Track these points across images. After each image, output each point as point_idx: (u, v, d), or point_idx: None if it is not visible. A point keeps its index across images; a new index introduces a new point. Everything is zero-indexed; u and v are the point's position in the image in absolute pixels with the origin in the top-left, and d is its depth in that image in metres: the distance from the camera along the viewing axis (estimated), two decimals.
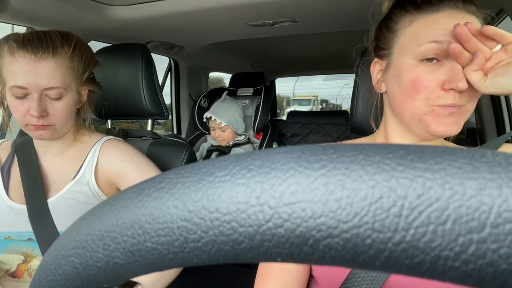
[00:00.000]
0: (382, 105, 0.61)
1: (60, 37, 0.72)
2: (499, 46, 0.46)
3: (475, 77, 0.46)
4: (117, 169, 0.78)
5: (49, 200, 0.73)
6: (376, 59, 0.58)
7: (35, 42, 0.68)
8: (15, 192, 0.76)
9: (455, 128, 0.49)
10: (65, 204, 0.73)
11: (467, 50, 0.46)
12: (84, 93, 0.80)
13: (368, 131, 0.68)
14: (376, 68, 0.58)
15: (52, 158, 0.80)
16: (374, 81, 0.59)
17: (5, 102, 0.73)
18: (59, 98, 0.71)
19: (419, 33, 0.50)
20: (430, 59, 0.49)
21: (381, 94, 0.60)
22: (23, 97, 0.68)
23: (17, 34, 0.70)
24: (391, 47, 0.54)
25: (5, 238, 0.72)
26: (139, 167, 0.79)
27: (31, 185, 0.74)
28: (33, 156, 0.78)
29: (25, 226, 0.71)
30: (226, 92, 1.75)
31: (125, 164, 0.79)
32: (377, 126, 0.63)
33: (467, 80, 0.47)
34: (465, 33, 0.45)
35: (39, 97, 0.68)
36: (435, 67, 0.49)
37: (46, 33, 0.72)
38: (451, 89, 0.47)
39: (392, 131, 0.57)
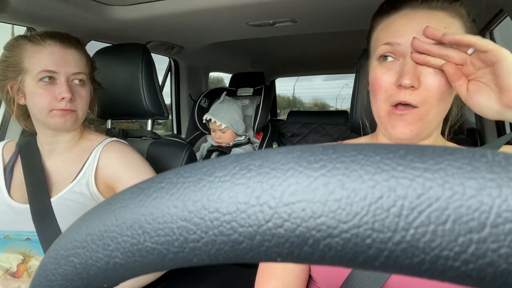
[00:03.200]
0: None
1: (71, 34, 0.78)
2: (471, 49, 0.44)
3: (460, 89, 0.46)
4: (115, 172, 0.78)
5: (51, 200, 0.73)
6: (368, 61, 0.60)
7: (59, 35, 0.75)
8: (17, 191, 0.76)
9: (406, 131, 0.48)
10: (64, 205, 0.73)
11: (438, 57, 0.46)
12: (91, 90, 0.83)
13: (368, 131, 0.68)
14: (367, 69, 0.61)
15: (56, 157, 0.80)
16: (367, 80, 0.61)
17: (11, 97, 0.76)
18: (83, 84, 0.76)
19: (378, 36, 0.52)
20: (385, 58, 0.50)
21: None
22: (51, 82, 0.72)
23: (33, 33, 0.77)
24: (369, 49, 0.57)
25: (4, 237, 0.72)
26: (138, 173, 0.78)
27: (35, 185, 0.75)
28: (36, 156, 0.79)
29: (24, 226, 0.71)
30: (225, 92, 1.74)
31: (123, 168, 0.78)
32: (373, 125, 0.64)
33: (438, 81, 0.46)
34: (421, 47, 0.45)
35: (66, 82, 0.73)
36: (390, 66, 0.50)
37: (63, 32, 0.78)
38: (400, 85, 0.47)
39: (381, 134, 0.58)
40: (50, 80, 0.72)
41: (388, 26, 0.51)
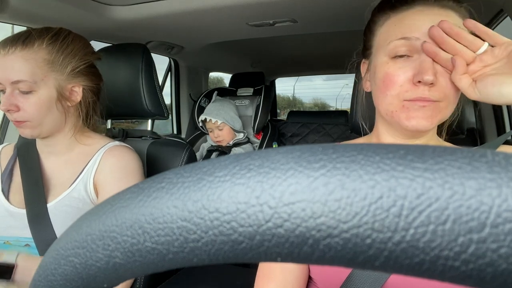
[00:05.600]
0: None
1: (38, 32, 0.70)
2: (483, 48, 0.45)
3: (463, 83, 0.46)
4: (104, 180, 0.74)
5: (48, 205, 0.71)
6: (363, 60, 0.60)
7: (9, 38, 0.68)
8: (16, 195, 0.74)
9: (426, 123, 0.48)
10: (62, 211, 0.71)
11: (446, 51, 0.46)
12: (78, 90, 0.76)
13: (368, 131, 0.69)
14: (364, 68, 0.60)
15: (55, 159, 0.78)
16: (363, 80, 0.61)
17: None
18: (29, 92, 0.69)
19: (390, 31, 0.51)
20: (399, 54, 0.49)
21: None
22: (3, 92, 0.69)
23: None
24: (371, 46, 0.56)
25: (4, 243, 0.71)
26: (123, 184, 0.74)
27: (32, 189, 0.73)
28: (35, 158, 0.77)
29: (23, 232, 0.70)
30: (215, 92, 1.78)
31: (111, 180, 0.75)
32: (372, 125, 0.64)
33: (452, 79, 0.47)
34: (439, 34, 0.45)
35: (10, 92, 0.68)
36: (405, 62, 0.49)
37: (28, 29, 0.71)
38: (419, 82, 0.47)
39: (382, 130, 0.58)
40: (2, 89, 0.69)
41: (400, 21, 0.50)
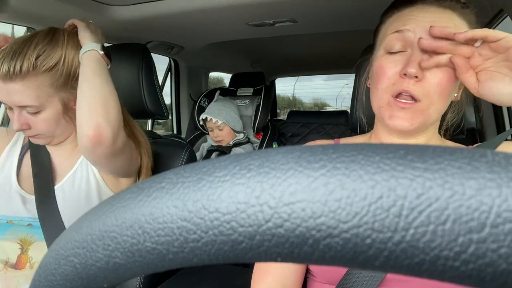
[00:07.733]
0: None
1: (35, 56, 0.68)
2: (479, 41, 0.45)
3: (470, 81, 0.46)
4: None
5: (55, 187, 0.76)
6: (371, 57, 0.61)
7: (6, 63, 0.66)
8: (25, 182, 0.78)
9: (406, 124, 0.49)
10: (65, 192, 0.76)
11: (444, 53, 0.46)
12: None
13: (365, 126, 0.69)
14: (369, 64, 0.61)
15: (62, 151, 0.82)
16: (367, 76, 0.62)
17: None
18: (37, 112, 0.71)
19: (388, 27, 0.53)
20: (393, 49, 0.51)
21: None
22: (11, 112, 0.71)
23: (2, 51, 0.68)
24: (375, 43, 0.58)
25: (7, 222, 0.74)
26: None
27: (41, 176, 0.77)
28: (45, 151, 0.81)
29: (27, 212, 0.74)
30: (218, 92, 1.77)
31: None
32: (370, 122, 0.64)
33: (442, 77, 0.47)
34: (429, 45, 0.46)
35: (19, 113, 0.70)
36: (397, 56, 0.50)
37: (23, 50, 0.67)
38: (405, 74, 0.48)
39: (380, 128, 0.58)
40: (9, 107, 0.71)
41: (398, 18, 0.52)
